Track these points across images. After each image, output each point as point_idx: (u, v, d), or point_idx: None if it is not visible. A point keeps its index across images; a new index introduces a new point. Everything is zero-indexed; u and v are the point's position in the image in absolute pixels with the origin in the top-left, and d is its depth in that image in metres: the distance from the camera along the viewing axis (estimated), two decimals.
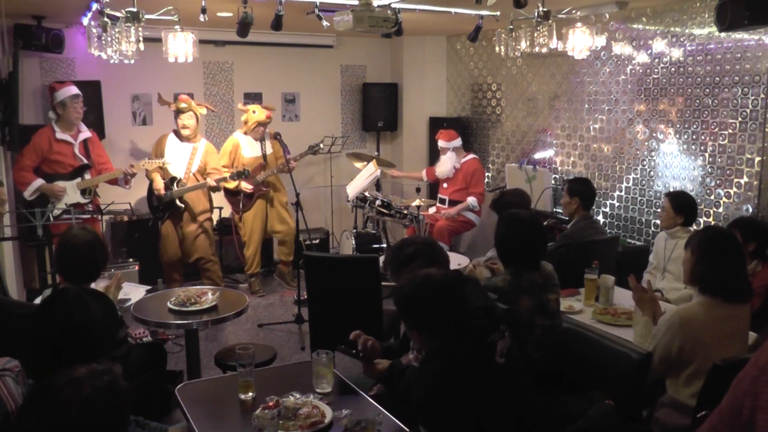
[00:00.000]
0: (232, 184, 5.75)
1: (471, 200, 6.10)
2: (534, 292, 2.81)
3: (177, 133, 5.61)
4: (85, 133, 5.22)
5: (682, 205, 3.88)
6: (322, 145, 6.19)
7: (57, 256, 2.97)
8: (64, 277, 3.01)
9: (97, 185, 5.29)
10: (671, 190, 4.95)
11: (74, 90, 5.12)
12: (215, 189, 5.63)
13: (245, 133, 5.86)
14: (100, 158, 5.33)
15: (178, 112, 5.54)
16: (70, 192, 5.08)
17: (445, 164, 6.21)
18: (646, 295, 2.91)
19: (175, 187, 5.50)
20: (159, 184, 5.50)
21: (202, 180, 5.58)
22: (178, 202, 5.51)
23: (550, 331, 2.82)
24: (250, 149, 5.88)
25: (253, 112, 5.78)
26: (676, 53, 4.84)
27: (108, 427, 1.57)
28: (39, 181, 4.98)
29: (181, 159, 5.57)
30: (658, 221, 5.07)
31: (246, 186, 5.77)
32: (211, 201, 5.85)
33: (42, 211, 4.16)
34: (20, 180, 4.96)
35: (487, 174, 6.84)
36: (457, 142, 6.26)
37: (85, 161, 5.19)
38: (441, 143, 6.23)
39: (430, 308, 2.15)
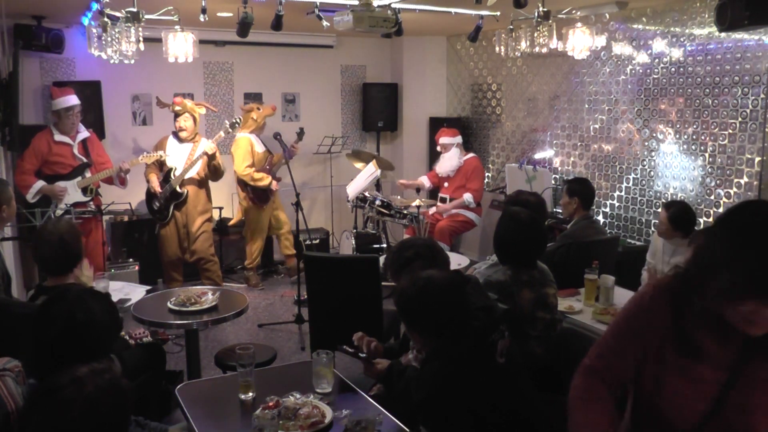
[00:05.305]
0: (265, 180, 5.80)
1: (467, 196, 6.11)
2: (534, 286, 2.86)
3: (176, 134, 5.62)
4: (84, 133, 5.24)
5: (680, 223, 3.73)
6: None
7: (33, 250, 3.01)
8: (44, 270, 3.04)
9: (99, 185, 5.30)
10: (671, 191, 4.96)
11: (70, 101, 5.08)
12: (213, 161, 5.53)
13: (252, 131, 5.90)
14: (100, 158, 5.34)
15: (176, 114, 5.55)
16: (72, 191, 5.10)
17: (451, 160, 6.20)
18: None
19: (172, 177, 5.51)
20: (155, 183, 5.52)
21: (202, 178, 5.62)
22: (179, 189, 5.51)
23: (550, 326, 2.85)
24: (259, 145, 5.96)
25: (258, 108, 5.87)
26: (676, 53, 4.84)
27: (111, 425, 1.57)
28: (40, 183, 5.01)
29: (181, 159, 5.57)
30: (657, 221, 5.07)
31: (274, 184, 5.91)
32: (210, 199, 5.83)
33: (42, 211, 4.16)
34: (22, 183, 4.99)
35: (487, 174, 6.84)
36: (459, 138, 6.31)
37: (85, 160, 5.20)
38: (445, 139, 6.23)
39: (432, 311, 2.15)
